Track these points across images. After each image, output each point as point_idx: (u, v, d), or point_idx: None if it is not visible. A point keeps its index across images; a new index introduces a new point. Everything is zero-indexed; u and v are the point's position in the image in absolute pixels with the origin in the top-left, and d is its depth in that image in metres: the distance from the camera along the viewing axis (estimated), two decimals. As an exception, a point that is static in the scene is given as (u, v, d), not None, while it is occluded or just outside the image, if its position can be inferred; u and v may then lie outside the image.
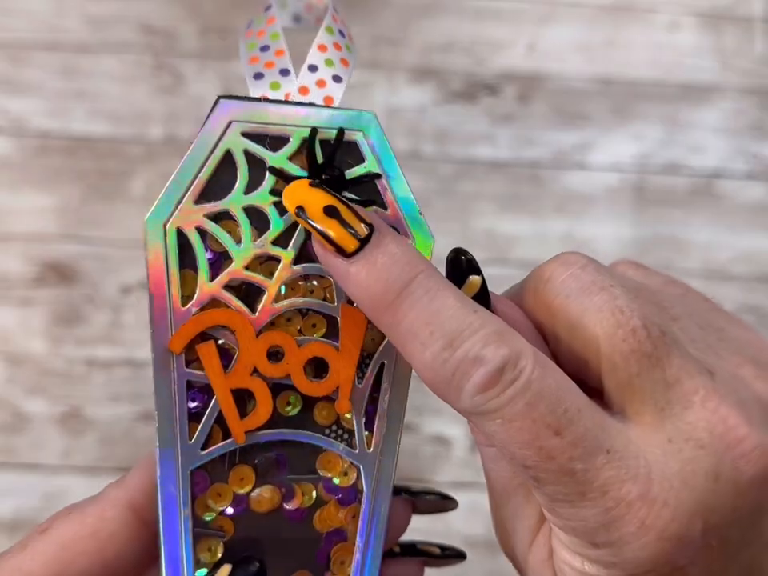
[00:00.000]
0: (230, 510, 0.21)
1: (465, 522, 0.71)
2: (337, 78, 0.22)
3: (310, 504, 0.21)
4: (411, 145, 0.80)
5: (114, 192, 0.76)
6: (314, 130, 0.20)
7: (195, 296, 0.20)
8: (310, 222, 0.19)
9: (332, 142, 0.21)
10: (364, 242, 0.19)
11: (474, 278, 0.21)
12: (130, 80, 0.80)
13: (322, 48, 0.22)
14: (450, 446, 0.72)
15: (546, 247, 0.79)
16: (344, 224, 0.19)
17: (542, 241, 0.79)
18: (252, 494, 0.21)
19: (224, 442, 0.21)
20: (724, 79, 0.84)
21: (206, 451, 0.21)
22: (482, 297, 0.21)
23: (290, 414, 0.21)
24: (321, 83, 0.22)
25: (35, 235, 0.75)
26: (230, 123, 0.20)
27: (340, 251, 0.19)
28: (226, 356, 0.21)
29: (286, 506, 0.21)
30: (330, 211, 0.19)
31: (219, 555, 0.21)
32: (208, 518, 0.21)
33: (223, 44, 0.80)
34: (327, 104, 0.21)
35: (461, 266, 0.21)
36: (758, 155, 0.83)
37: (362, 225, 0.19)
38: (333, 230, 0.19)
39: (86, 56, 0.80)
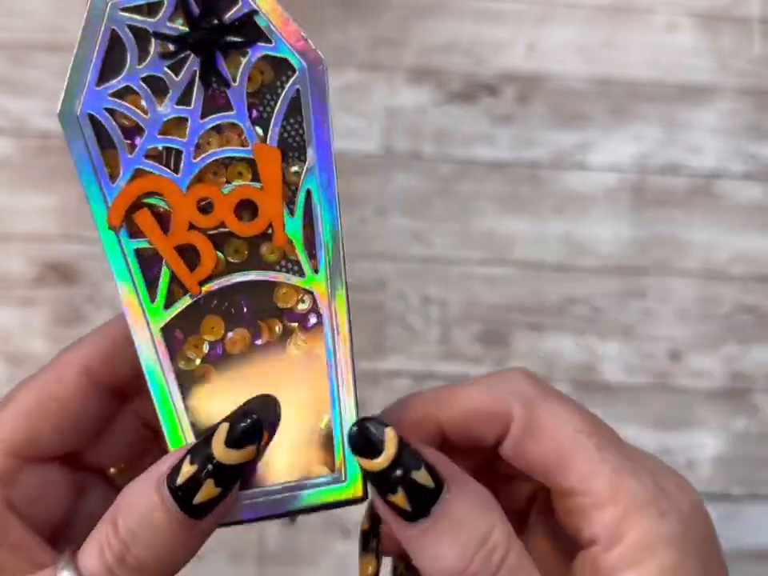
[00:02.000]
0: (208, 356, 0.22)
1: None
2: None
3: (278, 336, 0.22)
4: (411, 145, 0.80)
5: (114, 192, 0.76)
6: None
7: (120, 171, 0.22)
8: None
9: None
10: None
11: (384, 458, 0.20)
12: (130, 81, 0.80)
13: None
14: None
15: (546, 247, 0.79)
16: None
17: (541, 241, 0.79)
18: (225, 338, 0.22)
19: (183, 297, 0.22)
20: (722, 80, 0.84)
21: (169, 309, 0.22)
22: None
23: (240, 260, 0.22)
24: None
25: (35, 235, 0.75)
26: (108, 3, 0.22)
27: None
28: (163, 221, 0.22)
29: (257, 342, 0.22)
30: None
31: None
32: (189, 368, 0.22)
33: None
34: None
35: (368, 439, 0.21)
36: (756, 155, 0.83)
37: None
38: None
39: (86, 57, 0.80)
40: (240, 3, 0.21)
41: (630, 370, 0.78)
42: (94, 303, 0.73)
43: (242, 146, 0.22)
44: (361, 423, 0.21)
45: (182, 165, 0.22)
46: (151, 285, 0.22)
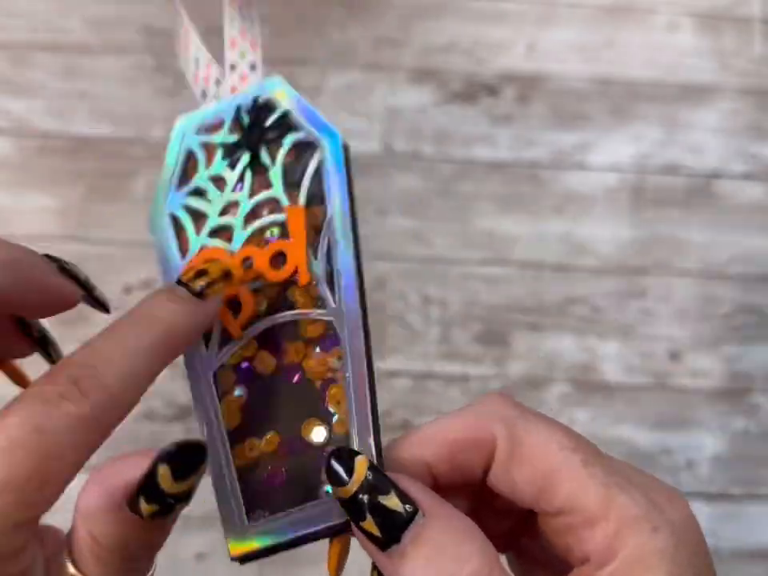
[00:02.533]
0: (240, 370, 0.26)
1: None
2: (253, 67, 0.29)
3: (300, 359, 0.25)
4: (411, 145, 0.80)
5: (115, 192, 0.76)
6: (237, 107, 0.28)
7: (188, 250, 0.27)
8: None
9: (251, 107, 0.28)
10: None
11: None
12: (131, 81, 0.80)
13: (233, 43, 0.29)
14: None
15: (546, 247, 0.80)
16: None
17: (541, 241, 0.80)
18: (255, 359, 0.26)
19: (229, 345, 0.26)
20: (723, 80, 0.84)
21: (219, 355, 0.26)
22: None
23: (273, 305, 0.26)
24: (243, 78, 0.29)
25: (37, 236, 0.75)
26: (185, 133, 0.29)
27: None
28: None
29: (283, 362, 0.25)
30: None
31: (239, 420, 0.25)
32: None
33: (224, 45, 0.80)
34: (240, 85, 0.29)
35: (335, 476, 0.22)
36: (756, 155, 0.83)
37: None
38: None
39: (87, 57, 0.80)
40: (277, 109, 0.28)
41: (630, 369, 0.78)
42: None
43: (280, 212, 0.27)
44: (334, 451, 0.21)
45: (233, 235, 0.27)
46: (205, 338, 0.26)
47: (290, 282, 0.26)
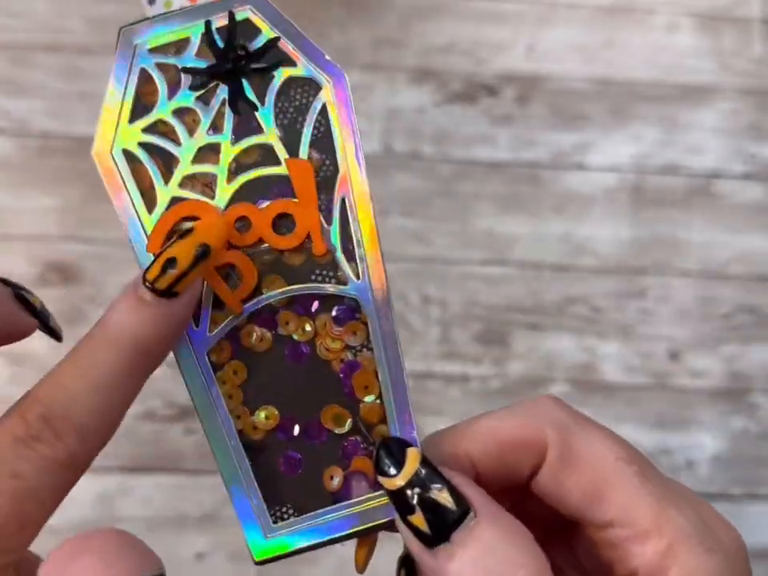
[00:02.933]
0: (237, 346, 0.23)
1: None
2: None
3: (308, 336, 0.23)
4: (411, 145, 0.80)
5: (115, 192, 0.76)
6: (207, 23, 0.23)
7: (157, 203, 0.22)
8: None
9: (227, 26, 0.23)
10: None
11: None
12: (131, 81, 0.80)
13: None
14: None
15: (546, 247, 0.80)
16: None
17: (541, 241, 0.80)
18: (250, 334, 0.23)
19: (226, 320, 0.22)
20: (722, 80, 0.84)
21: (213, 333, 0.22)
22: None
23: (279, 275, 0.23)
24: None
25: (37, 236, 0.75)
26: (135, 47, 0.23)
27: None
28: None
29: (284, 336, 0.23)
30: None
31: (240, 399, 0.23)
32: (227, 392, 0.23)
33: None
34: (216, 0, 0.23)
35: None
36: (756, 155, 0.83)
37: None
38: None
39: (87, 57, 0.80)
40: (263, 32, 0.23)
41: (630, 369, 0.78)
42: (95, 303, 0.74)
43: (274, 160, 0.23)
44: (383, 441, 0.21)
45: (216, 190, 0.22)
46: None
47: (299, 249, 0.23)
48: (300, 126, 0.23)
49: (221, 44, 0.22)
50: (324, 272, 0.23)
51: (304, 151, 0.23)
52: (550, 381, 0.77)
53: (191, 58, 0.23)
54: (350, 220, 0.23)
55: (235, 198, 0.23)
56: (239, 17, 0.23)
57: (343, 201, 0.23)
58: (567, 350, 0.78)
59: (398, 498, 0.19)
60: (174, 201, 0.22)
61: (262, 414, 0.23)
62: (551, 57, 0.83)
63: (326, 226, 0.22)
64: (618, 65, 0.84)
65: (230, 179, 0.22)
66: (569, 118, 0.82)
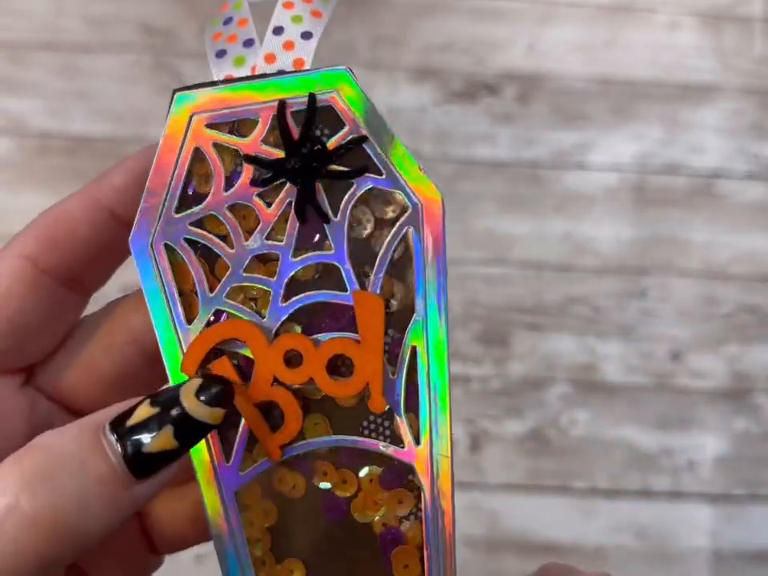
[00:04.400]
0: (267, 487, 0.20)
1: (465, 522, 0.71)
2: (306, 35, 0.19)
3: (349, 493, 0.20)
4: (411, 145, 0.80)
5: (114, 192, 0.76)
6: (281, 104, 0.18)
7: (199, 313, 0.19)
8: None
9: (305, 112, 0.18)
10: None
11: None
12: (130, 80, 0.80)
13: (288, 5, 0.19)
14: (449, 446, 0.72)
15: (546, 247, 0.79)
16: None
17: (542, 241, 0.79)
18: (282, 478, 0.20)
19: (259, 462, 0.19)
20: (724, 79, 0.84)
21: (245, 472, 0.19)
22: None
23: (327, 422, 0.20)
24: (288, 45, 0.19)
25: (35, 235, 0.75)
26: (191, 117, 0.19)
27: None
28: (242, 372, 0.19)
29: (319, 487, 0.20)
30: None
31: (269, 547, 0.20)
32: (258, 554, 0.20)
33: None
34: (297, 68, 0.19)
35: None
36: (758, 155, 0.83)
37: None
38: None
39: (85, 56, 0.80)
40: (347, 127, 0.19)
41: (631, 370, 0.78)
42: (97, 303, 0.73)
43: (339, 290, 0.19)
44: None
45: (268, 308, 0.19)
46: (225, 443, 0.19)
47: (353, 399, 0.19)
48: (376, 249, 0.19)
49: (295, 133, 0.18)
50: (377, 422, 0.19)
51: (376, 282, 0.19)
52: (550, 381, 0.77)
53: (257, 145, 0.19)
54: (419, 373, 0.19)
55: (288, 321, 0.19)
56: (321, 102, 0.19)
57: (413, 350, 0.19)
58: (568, 350, 0.78)
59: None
60: (218, 313, 0.19)
61: (289, 568, 0.20)
62: (552, 56, 0.83)
63: (390, 375, 0.19)
64: (619, 64, 0.84)
65: (285, 298, 0.19)
66: (570, 118, 0.82)
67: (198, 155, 0.19)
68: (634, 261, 0.80)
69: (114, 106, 0.79)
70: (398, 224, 0.19)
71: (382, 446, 0.19)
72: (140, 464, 0.17)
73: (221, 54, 0.19)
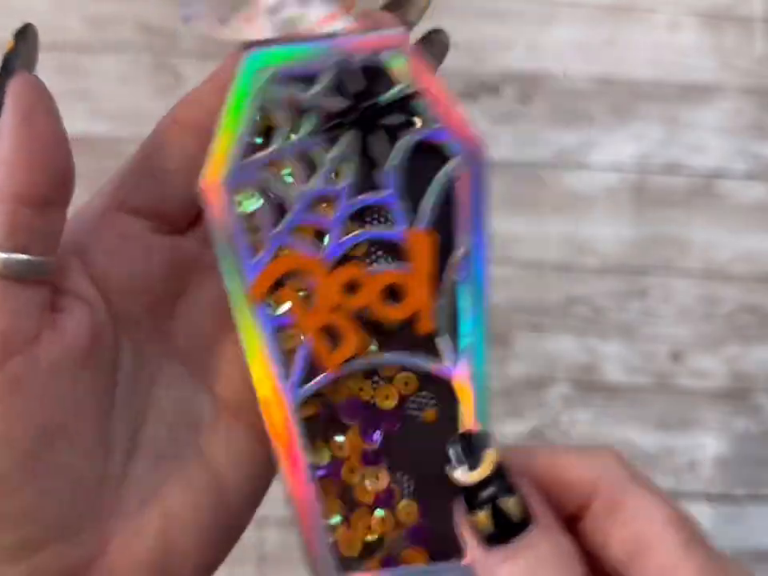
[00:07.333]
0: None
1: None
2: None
3: (393, 404, 0.22)
4: (411, 145, 0.80)
5: (114, 192, 0.76)
6: (339, 64, 0.21)
7: (264, 247, 0.21)
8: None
9: (361, 71, 0.21)
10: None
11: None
12: (130, 80, 0.80)
13: None
14: (450, 446, 0.72)
15: (547, 247, 0.79)
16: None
17: (542, 241, 0.79)
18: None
19: (319, 377, 0.21)
20: (724, 79, 0.84)
21: (304, 388, 0.21)
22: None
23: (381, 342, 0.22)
24: (349, 8, 0.21)
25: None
26: (259, 71, 0.21)
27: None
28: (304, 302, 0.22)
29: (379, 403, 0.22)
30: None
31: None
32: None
33: (223, 43, 0.80)
34: (352, 30, 0.21)
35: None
36: (758, 155, 0.83)
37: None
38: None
39: (85, 56, 0.80)
40: (402, 84, 0.21)
41: (631, 370, 0.78)
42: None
43: (391, 228, 0.22)
44: (461, 437, 0.21)
45: (327, 244, 0.21)
46: (286, 362, 0.22)
47: (404, 323, 0.22)
48: (422, 195, 0.21)
49: (355, 88, 0.21)
50: (423, 343, 0.22)
51: (425, 219, 0.22)
52: (550, 381, 0.77)
53: (318, 99, 0.21)
54: (459, 307, 0.23)
55: (347, 255, 0.21)
56: (376, 63, 0.21)
57: (455, 284, 0.22)
58: (568, 351, 0.78)
59: (467, 493, 0.20)
60: (282, 248, 0.21)
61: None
62: (552, 56, 0.83)
63: (435, 304, 0.22)
64: (619, 64, 0.84)
65: (343, 234, 0.21)
66: (570, 118, 0.82)
67: (263, 108, 0.21)
68: (635, 261, 0.80)
69: (113, 106, 0.79)
70: (443, 170, 0.22)
71: (428, 363, 0.22)
72: None
73: (273, 10, 0.21)
